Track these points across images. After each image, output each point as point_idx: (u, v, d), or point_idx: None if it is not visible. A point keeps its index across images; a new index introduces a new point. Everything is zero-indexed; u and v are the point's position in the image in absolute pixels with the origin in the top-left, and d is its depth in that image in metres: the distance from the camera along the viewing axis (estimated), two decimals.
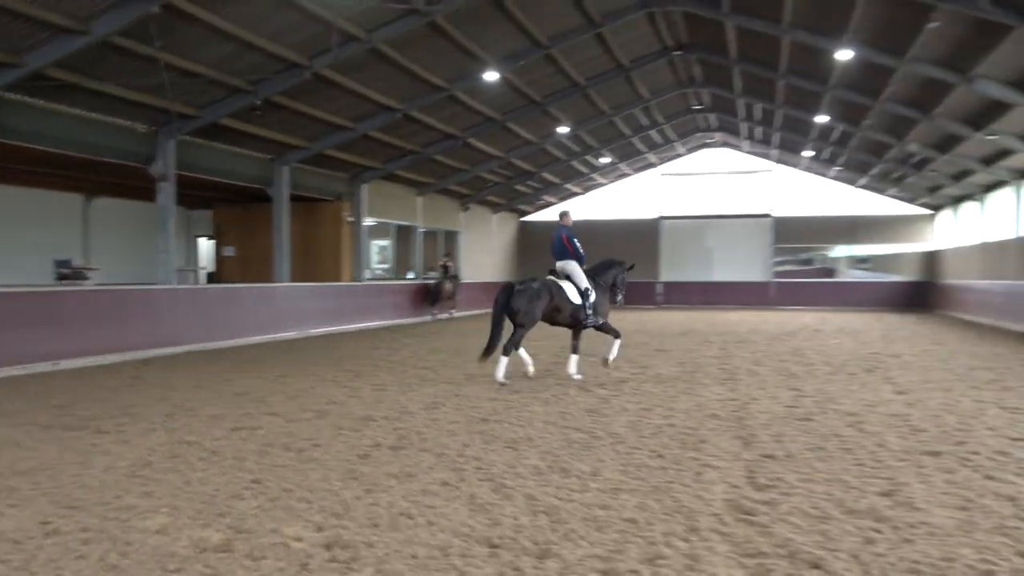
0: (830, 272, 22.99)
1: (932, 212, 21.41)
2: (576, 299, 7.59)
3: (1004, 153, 13.69)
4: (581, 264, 7.79)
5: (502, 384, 7.02)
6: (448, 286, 16.99)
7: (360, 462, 4.08)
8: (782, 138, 19.09)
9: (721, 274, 22.78)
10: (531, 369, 7.62)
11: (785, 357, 9.36)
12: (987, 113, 11.65)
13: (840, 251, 23.29)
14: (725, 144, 22.64)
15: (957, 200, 19.18)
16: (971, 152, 14.24)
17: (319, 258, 14.73)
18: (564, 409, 5.82)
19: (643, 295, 22.90)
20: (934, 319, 17.25)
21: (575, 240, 7.83)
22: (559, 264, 7.79)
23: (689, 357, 9.11)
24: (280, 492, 3.49)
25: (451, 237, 19.45)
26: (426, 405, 5.95)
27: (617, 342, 7.77)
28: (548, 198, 23.28)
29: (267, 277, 13.32)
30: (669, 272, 23.29)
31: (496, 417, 5.42)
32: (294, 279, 13.53)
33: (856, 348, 10.47)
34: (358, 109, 11.58)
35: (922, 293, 21.21)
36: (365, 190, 14.87)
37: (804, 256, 23.42)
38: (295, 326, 12.06)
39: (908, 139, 14.45)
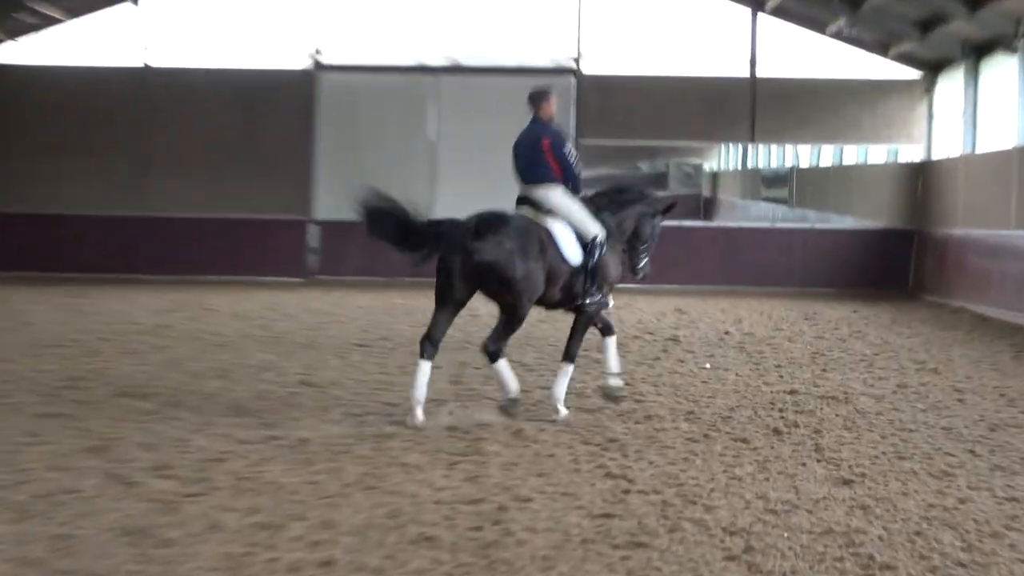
0: (704, 205, 24.57)
1: (923, 76, 22.97)
2: (576, 257, 8.86)
3: None
4: (576, 191, 9.03)
5: (510, 403, 8.89)
6: None
7: None
8: None
9: (456, 202, 23.14)
10: (513, 386, 8.92)
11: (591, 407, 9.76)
12: None
13: (725, 158, 25.38)
14: None
15: (976, 52, 20.42)
16: None
17: None
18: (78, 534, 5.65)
19: (287, 254, 22.97)
20: (926, 315, 19.02)
21: (566, 149, 9.04)
22: (536, 192, 8.94)
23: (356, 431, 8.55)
24: None
25: None
26: None
27: (613, 354, 9.42)
28: (43, 7, 22.21)
29: None
30: (332, 198, 22.45)
31: None
32: None
33: (755, 380, 11.37)
34: None
35: (899, 256, 22.82)
36: None
37: (649, 166, 25.00)
38: None
39: None
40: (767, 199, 24.53)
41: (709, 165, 25.71)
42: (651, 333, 15.36)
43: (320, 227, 22.80)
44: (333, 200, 21.93)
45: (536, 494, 6.55)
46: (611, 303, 9.43)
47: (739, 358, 13.01)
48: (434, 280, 8.66)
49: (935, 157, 22.70)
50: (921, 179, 22.68)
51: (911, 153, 23.37)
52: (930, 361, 12.94)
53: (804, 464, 7.50)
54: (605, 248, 8.93)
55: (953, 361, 12.99)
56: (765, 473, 7.21)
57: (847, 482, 7.01)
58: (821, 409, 9.66)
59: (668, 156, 25.38)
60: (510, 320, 8.81)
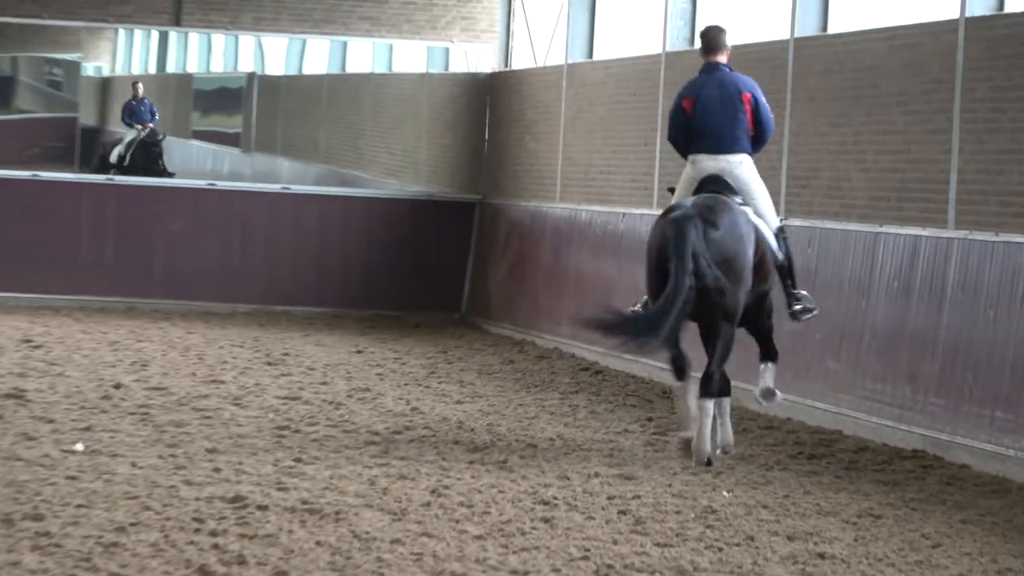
0: (82, 140, 25.76)
1: None
2: (779, 251, 13.45)
3: None
4: (761, 144, 13.65)
5: (705, 462, 13.06)
6: None
7: None
8: None
9: None
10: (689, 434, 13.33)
11: None
12: None
13: (127, 53, 26.34)
14: None
15: None
16: None
17: None
18: None
19: None
20: (469, 351, 21.38)
21: (766, 103, 13.42)
22: (729, 164, 13.13)
23: None
24: None
25: None
26: None
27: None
28: None
29: None
30: None
31: None
32: None
33: (170, 476, 11.93)
34: None
35: (450, 250, 25.11)
36: None
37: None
38: None
39: None
40: (203, 133, 25.50)
41: (96, 66, 25.65)
42: None
43: None
44: None
45: None
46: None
47: (140, 435, 13.50)
48: None
49: (517, 66, 24.09)
50: (490, 104, 24.18)
51: (475, 58, 24.65)
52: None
53: None
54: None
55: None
56: None
57: None
58: (290, 531, 9.94)
59: (19, 46, 25.59)
60: (729, 328, 13.09)
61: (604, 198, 21.30)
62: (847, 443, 14.82)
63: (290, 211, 24.49)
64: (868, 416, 15.13)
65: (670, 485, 12.38)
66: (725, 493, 12.18)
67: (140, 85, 25.50)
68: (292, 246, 24.42)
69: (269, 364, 18.46)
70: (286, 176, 24.56)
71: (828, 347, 16.10)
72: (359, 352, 19.81)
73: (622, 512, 11.17)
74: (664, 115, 18.69)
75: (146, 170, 25.18)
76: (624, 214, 20.55)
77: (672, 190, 13.79)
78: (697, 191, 13.01)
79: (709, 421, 12.88)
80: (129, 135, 25.92)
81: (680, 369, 13.01)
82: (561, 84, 22.45)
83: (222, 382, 17.08)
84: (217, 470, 11.99)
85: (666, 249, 12.51)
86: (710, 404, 12.84)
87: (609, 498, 11.67)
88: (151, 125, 25.55)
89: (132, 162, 25.94)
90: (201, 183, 24.01)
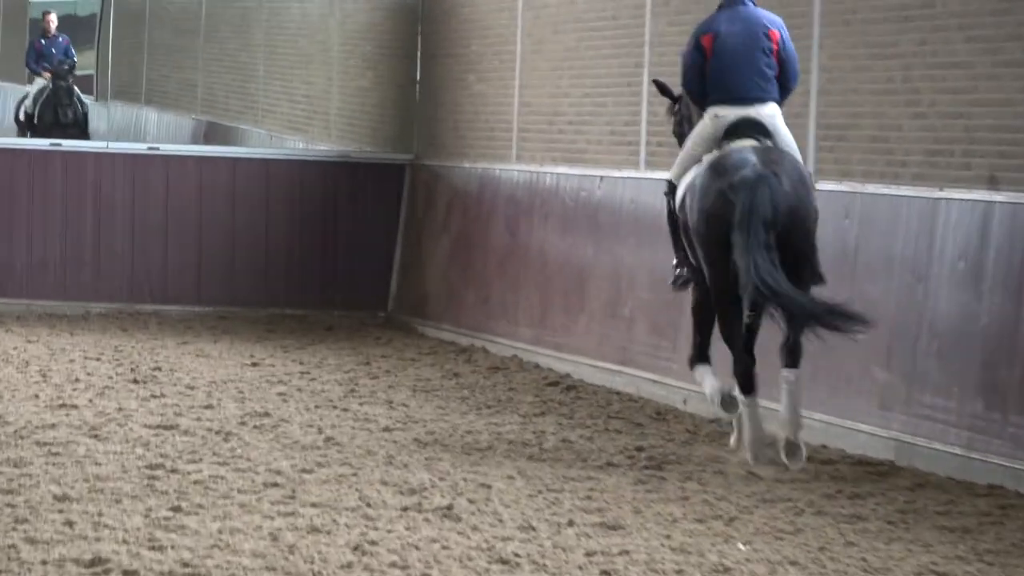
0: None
1: None
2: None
3: None
4: (786, 93, 14.66)
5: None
6: None
7: None
8: None
9: None
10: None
11: None
12: None
13: None
14: None
15: None
16: None
17: None
18: None
19: None
20: (396, 364, 21.80)
21: (791, 41, 14.53)
22: (762, 116, 13.96)
23: None
24: None
25: None
26: None
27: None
28: None
29: None
30: None
31: None
32: None
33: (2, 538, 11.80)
34: None
35: (376, 227, 26.02)
36: None
37: None
38: None
39: None
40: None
41: None
42: None
43: None
44: None
45: None
46: None
47: None
48: None
49: None
50: (423, 34, 24.59)
51: None
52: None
53: None
54: None
55: None
56: None
57: None
58: None
59: None
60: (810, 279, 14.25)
61: (575, 157, 21.42)
62: (901, 477, 14.67)
63: (160, 178, 24.41)
64: (928, 441, 14.88)
65: (668, 536, 12.19)
66: (741, 546, 11.99)
67: (53, 17, 25.52)
68: (163, 225, 24.41)
69: (135, 382, 18.58)
70: (154, 132, 24.59)
71: (874, 351, 15.73)
72: (254, 365, 20.00)
73: (605, 572, 11.00)
74: (652, 44, 18.91)
75: (62, 131, 25.32)
76: (602, 177, 20.69)
77: (657, 83, 14.79)
78: (727, 135, 13.48)
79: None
80: (37, 84, 26.02)
81: (749, 380, 14.18)
82: (516, 6, 22.55)
83: (74, 407, 17.19)
84: (70, 524, 11.89)
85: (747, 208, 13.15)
86: (796, 378, 14.40)
87: (588, 554, 11.48)
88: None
89: (41, 121, 26.09)
90: (42, 143, 24.04)
